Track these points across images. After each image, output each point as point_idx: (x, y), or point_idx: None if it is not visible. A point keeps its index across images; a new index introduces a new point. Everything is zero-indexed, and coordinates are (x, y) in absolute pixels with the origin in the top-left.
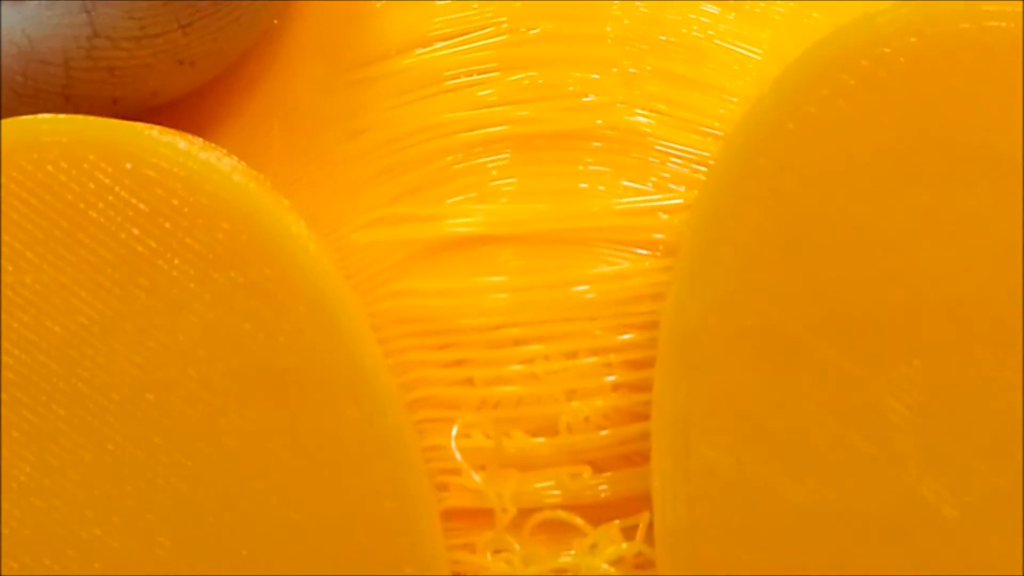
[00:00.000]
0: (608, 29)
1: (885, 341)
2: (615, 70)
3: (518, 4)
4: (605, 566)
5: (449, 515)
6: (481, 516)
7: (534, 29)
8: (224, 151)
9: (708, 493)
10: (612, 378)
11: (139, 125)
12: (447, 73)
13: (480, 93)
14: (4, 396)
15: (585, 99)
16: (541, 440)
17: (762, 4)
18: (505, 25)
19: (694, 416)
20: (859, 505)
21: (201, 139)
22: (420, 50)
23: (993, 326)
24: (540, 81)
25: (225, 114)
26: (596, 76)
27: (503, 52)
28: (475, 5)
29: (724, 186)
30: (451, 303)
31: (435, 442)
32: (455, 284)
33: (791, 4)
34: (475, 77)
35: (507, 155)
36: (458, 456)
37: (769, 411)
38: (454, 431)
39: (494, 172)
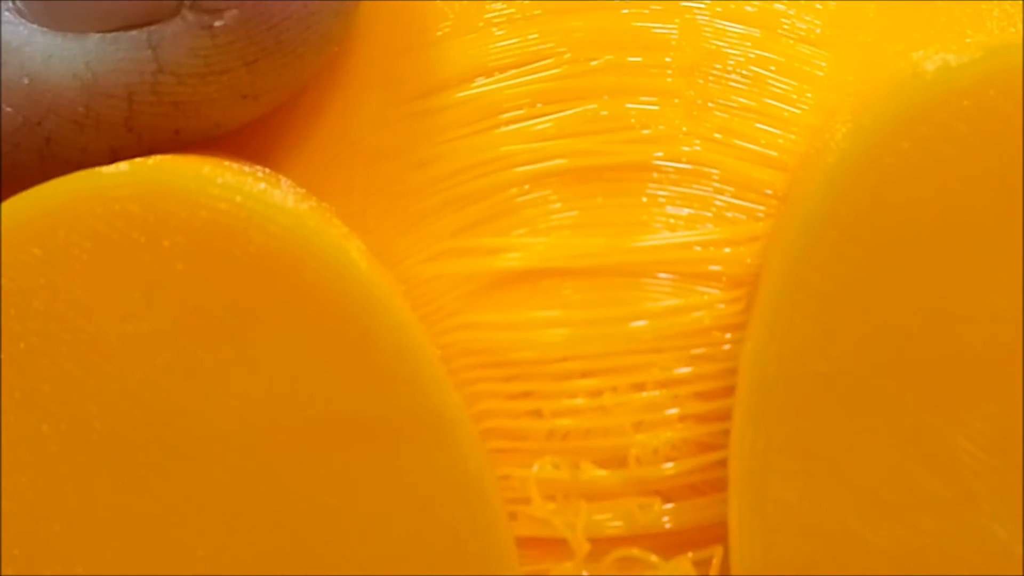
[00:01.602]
0: (668, 60)
1: (960, 385)
2: (676, 101)
3: (579, 35)
4: None
5: (518, 544)
6: (549, 545)
7: (595, 60)
8: (290, 183)
9: (785, 536)
10: (678, 410)
11: (211, 166)
12: (507, 104)
13: (540, 126)
14: (90, 446)
15: (645, 131)
16: (609, 472)
17: (818, 30)
18: (567, 56)
19: (771, 460)
20: (934, 545)
21: (267, 170)
22: (481, 80)
23: None
24: (602, 113)
25: (287, 144)
26: (656, 108)
27: (564, 84)
28: (535, 35)
29: (803, 236)
30: (515, 336)
31: (505, 472)
32: (518, 318)
33: (843, 30)
34: (537, 107)
35: (568, 188)
36: (536, 495)
37: (846, 455)
38: (535, 468)
39: (556, 205)
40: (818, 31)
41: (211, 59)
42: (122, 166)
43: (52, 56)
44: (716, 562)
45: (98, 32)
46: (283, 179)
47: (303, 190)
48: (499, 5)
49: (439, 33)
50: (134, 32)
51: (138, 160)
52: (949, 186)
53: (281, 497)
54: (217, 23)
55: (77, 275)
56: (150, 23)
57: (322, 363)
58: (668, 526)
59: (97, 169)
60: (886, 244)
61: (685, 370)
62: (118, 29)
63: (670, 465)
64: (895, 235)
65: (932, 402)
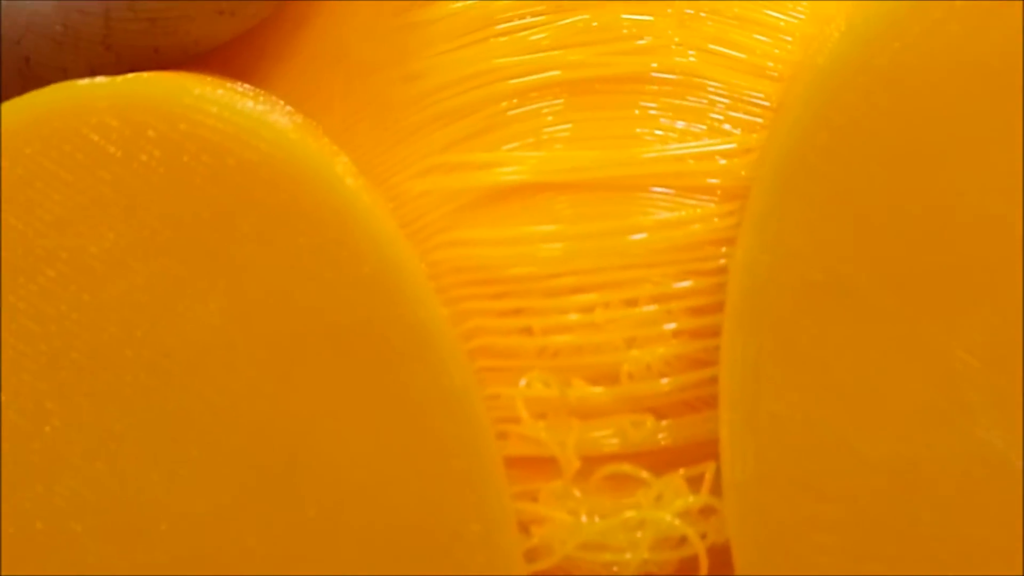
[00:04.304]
0: None
1: (955, 293)
2: (669, 11)
3: None
4: (671, 518)
5: (509, 463)
6: (541, 464)
7: None
8: (276, 99)
9: (777, 447)
10: (673, 325)
11: (191, 81)
12: (499, 16)
13: (533, 37)
14: (70, 362)
15: (639, 42)
16: (602, 389)
17: None
18: None
19: (763, 370)
20: (929, 456)
21: (251, 87)
22: None
23: None
24: (593, 24)
25: (274, 60)
26: (650, 18)
27: None
28: None
29: (793, 141)
30: (507, 252)
31: (495, 391)
32: (511, 233)
33: None
34: (528, 20)
35: (561, 100)
36: (523, 413)
37: (839, 365)
38: (522, 383)
39: (549, 118)
40: None
41: None
42: (100, 79)
43: None
44: (708, 478)
45: None
46: (269, 95)
47: (289, 106)
48: None
49: None
50: None
51: (115, 78)
52: (942, 87)
53: (264, 411)
54: None
55: (53, 190)
56: None
57: (305, 277)
58: (661, 443)
59: (73, 82)
60: (879, 147)
61: (679, 285)
62: None
63: (664, 381)
64: (887, 138)
65: (929, 311)
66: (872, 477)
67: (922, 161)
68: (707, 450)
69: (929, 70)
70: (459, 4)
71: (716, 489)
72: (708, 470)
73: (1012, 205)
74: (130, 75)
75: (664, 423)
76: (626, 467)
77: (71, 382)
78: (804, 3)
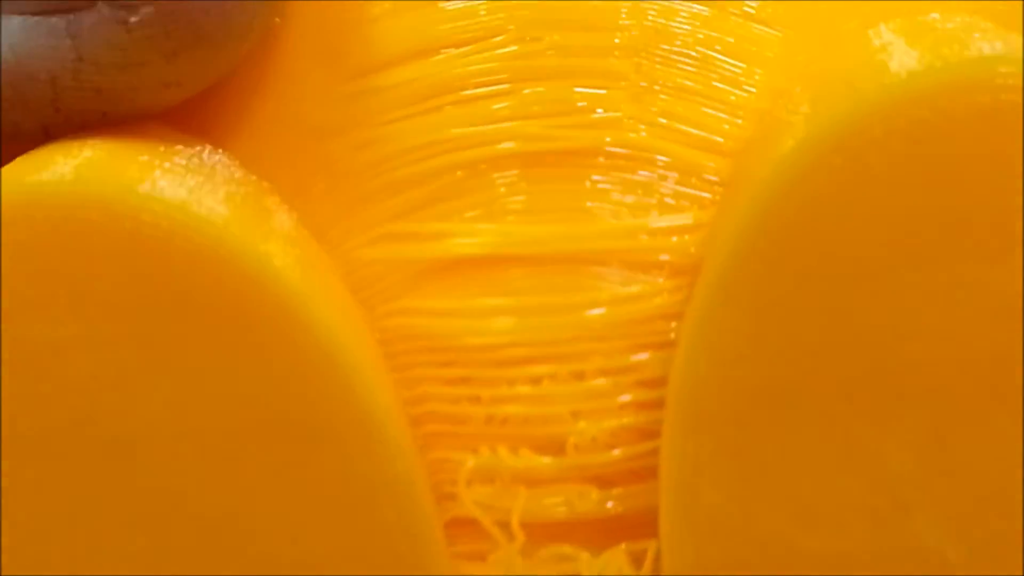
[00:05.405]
0: (616, 41)
1: (892, 397)
2: (623, 84)
3: (526, 12)
4: None
5: (458, 523)
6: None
7: (541, 39)
8: (230, 162)
9: (716, 541)
10: (621, 398)
11: (142, 164)
12: (454, 85)
13: (488, 107)
14: (19, 451)
15: (593, 115)
16: (548, 459)
17: (769, 8)
18: (513, 35)
19: (702, 465)
20: (866, 553)
21: (208, 145)
22: (425, 59)
23: (994, 384)
24: (548, 96)
25: (231, 118)
26: (604, 91)
27: (510, 64)
28: (483, 11)
29: (733, 248)
30: (457, 324)
31: (443, 455)
32: (462, 305)
33: (795, 7)
34: (483, 90)
35: (515, 172)
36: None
37: (777, 464)
38: (470, 463)
39: (502, 189)
40: (770, 9)
41: (129, 52)
42: (45, 175)
43: None
44: (650, 555)
45: (17, 14)
46: (225, 155)
47: (242, 171)
48: None
49: (382, 9)
50: (54, 19)
51: (65, 164)
52: (886, 201)
53: (210, 499)
54: (132, 18)
55: None
56: (68, 11)
57: (248, 368)
58: (608, 513)
59: (21, 175)
60: (816, 256)
61: (629, 358)
62: (36, 13)
63: (615, 452)
64: (827, 248)
65: (864, 412)
66: (809, 571)
67: (857, 272)
68: (652, 519)
69: (867, 188)
70: (411, 72)
71: (658, 567)
72: (650, 548)
73: (947, 315)
74: (80, 160)
75: (609, 492)
76: (567, 548)
77: (20, 471)
78: (757, 75)
